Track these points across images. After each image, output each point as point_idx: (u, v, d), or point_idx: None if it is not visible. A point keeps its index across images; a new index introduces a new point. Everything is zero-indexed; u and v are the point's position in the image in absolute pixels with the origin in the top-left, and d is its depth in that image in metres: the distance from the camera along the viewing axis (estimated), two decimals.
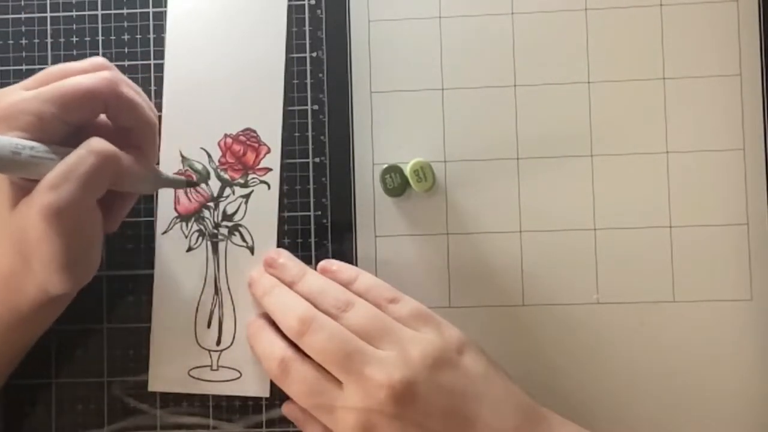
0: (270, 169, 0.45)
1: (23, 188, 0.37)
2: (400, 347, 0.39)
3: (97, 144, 0.37)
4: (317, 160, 0.46)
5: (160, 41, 0.46)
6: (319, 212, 0.45)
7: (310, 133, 0.46)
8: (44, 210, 0.36)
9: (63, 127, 0.38)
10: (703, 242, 0.44)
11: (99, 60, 0.40)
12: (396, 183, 0.45)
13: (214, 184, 0.46)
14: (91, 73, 0.39)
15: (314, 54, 0.46)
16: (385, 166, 0.45)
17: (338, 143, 0.46)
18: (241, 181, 0.45)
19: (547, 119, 0.45)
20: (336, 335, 0.39)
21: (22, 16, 0.47)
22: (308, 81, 0.46)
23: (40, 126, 0.37)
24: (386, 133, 0.46)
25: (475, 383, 0.39)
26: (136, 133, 0.40)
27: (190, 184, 0.45)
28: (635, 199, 0.45)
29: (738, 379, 0.44)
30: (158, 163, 0.45)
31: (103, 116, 0.40)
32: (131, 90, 0.40)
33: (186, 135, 0.46)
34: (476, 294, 0.45)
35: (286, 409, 0.44)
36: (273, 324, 0.43)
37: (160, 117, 0.45)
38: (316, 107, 0.46)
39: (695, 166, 0.45)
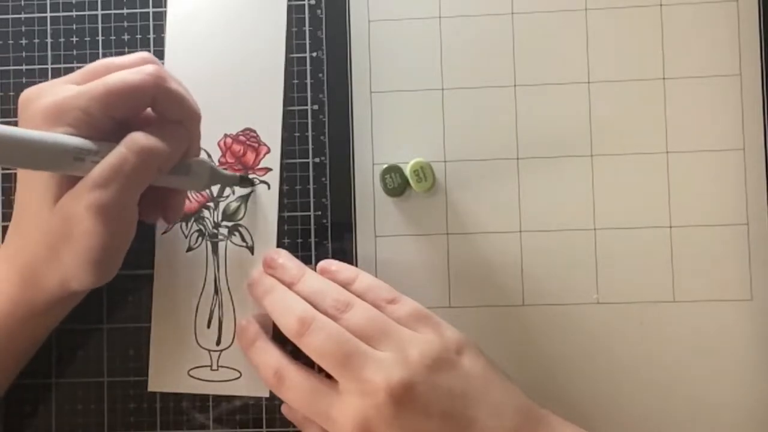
0: (270, 169, 0.45)
1: (66, 183, 0.38)
2: (399, 348, 0.39)
3: (139, 139, 0.38)
4: (317, 160, 0.46)
5: (160, 41, 0.46)
6: (319, 212, 0.45)
7: (310, 133, 0.46)
8: (92, 206, 0.36)
9: (109, 122, 0.38)
10: (703, 242, 0.44)
11: (145, 54, 0.41)
12: (396, 183, 0.45)
13: None
14: (137, 68, 0.39)
15: (314, 54, 0.46)
16: (385, 166, 0.45)
17: (338, 143, 0.46)
18: None
19: (547, 119, 0.45)
20: (335, 336, 0.39)
21: (22, 16, 0.47)
22: (308, 81, 0.46)
23: (88, 122, 0.37)
24: (386, 133, 0.46)
25: (474, 384, 0.39)
26: (182, 127, 0.40)
27: (245, 180, 0.44)
28: (635, 199, 0.45)
29: (738, 379, 0.44)
30: None
31: (148, 110, 0.40)
32: (176, 84, 0.40)
33: None
34: (476, 294, 0.45)
35: (286, 410, 0.44)
36: (264, 330, 0.43)
37: None
38: (316, 107, 0.46)
39: (695, 166, 0.45)
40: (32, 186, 0.38)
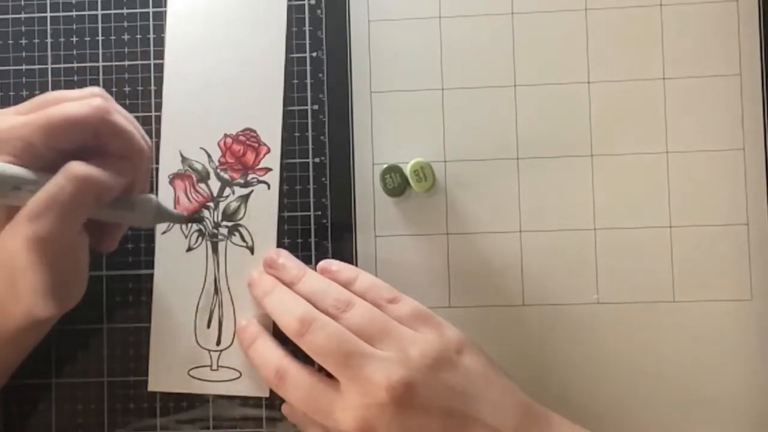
0: (270, 169, 0.45)
1: (8, 213, 0.37)
2: (400, 347, 0.39)
3: (76, 169, 0.37)
4: (317, 160, 0.46)
5: (160, 41, 0.46)
6: (319, 212, 0.45)
7: (310, 133, 0.46)
8: (28, 240, 0.36)
9: (52, 153, 0.38)
10: (703, 242, 0.44)
11: (95, 89, 0.40)
12: (396, 183, 0.45)
13: (214, 184, 0.46)
14: (82, 100, 0.39)
15: (314, 54, 0.46)
16: (385, 166, 0.45)
17: (338, 143, 0.46)
18: (241, 181, 0.45)
19: (547, 119, 0.45)
20: (336, 335, 0.39)
21: (22, 16, 0.47)
22: (308, 81, 0.46)
23: (30, 152, 0.37)
24: (386, 133, 0.46)
25: (474, 383, 0.39)
26: (127, 162, 0.40)
27: (191, 219, 0.45)
28: (635, 199, 0.45)
29: (738, 378, 0.44)
30: (157, 171, 0.45)
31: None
32: (122, 118, 0.40)
33: (186, 135, 0.46)
34: (476, 294, 0.45)
35: (286, 410, 0.44)
36: (265, 329, 0.43)
37: (159, 117, 0.45)
38: (316, 107, 0.46)
39: (695, 166, 0.45)
40: None
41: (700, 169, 0.44)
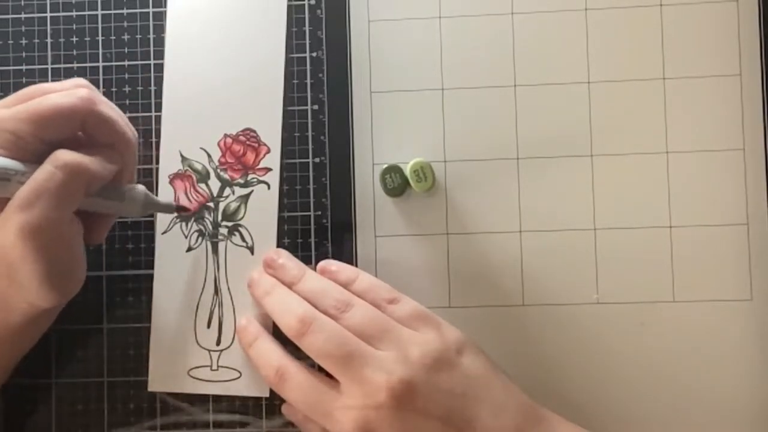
0: (270, 169, 0.45)
1: None
2: (400, 348, 0.39)
3: (64, 156, 0.37)
4: (317, 160, 0.46)
5: (160, 41, 0.46)
6: (319, 212, 0.45)
7: (310, 133, 0.46)
8: (20, 230, 0.36)
9: (40, 144, 0.38)
10: (703, 242, 0.44)
11: (80, 80, 0.41)
12: (396, 183, 0.45)
13: (214, 184, 0.46)
14: (68, 91, 0.39)
15: (314, 54, 0.46)
16: (385, 166, 0.45)
17: (338, 143, 0.46)
18: (241, 181, 0.45)
19: (547, 119, 0.45)
20: (336, 336, 0.39)
21: (22, 16, 0.47)
22: (308, 81, 0.46)
23: (17, 144, 0.37)
24: (386, 133, 0.46)
25: (474, 384, 0.39)
26: (114, 151, 0.40)
27: (180, 209, 0.45)
28: (635, 199, 0.45)
29: (738, 379, 0.44)
30: (157, 171, 0.45)
31: (80, 134, 0.40)
32: (108, 108, 0.40)
33: (186, 135, 0.46)
34: (476, 294, 0.45)
35: (286, 410, 0.44)
36: (265, 329, 0.43)
37: (159, 117, 0.45)
38: (316, 107, 0.46)
39: (695, 166, 0.45)
40: None
41: (700, 169, 0.44)
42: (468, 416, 0.38)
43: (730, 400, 0.44)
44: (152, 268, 0.45)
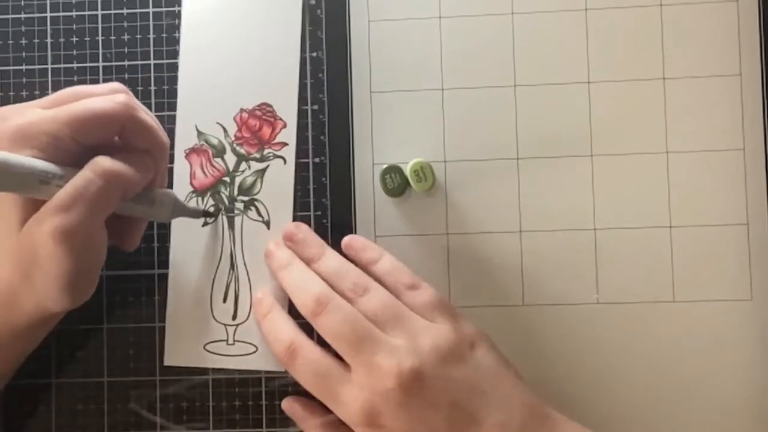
0: (286, 144, 0.45)
1: (31, 206, 0.37)
2: (412, 336, 0.39)
3: (103, 163, 0.38)
4: (317, 160, 0.46)
5: (160, 41, 0.46)
6: (319, 212, 0.45)
7: (310, 133, 0.46)
8: (56, 231, 0.36)
9: (77, 148, 0.38)
10: (703, 242, 0.44)
11: (116, 85, 0.41)
12: (396, 183, 0.45)
13: (230, 159, 0.45)
14: (108, 96, 0.39)
15: (314, 54, 0.46)
16: (385, 166, 0.45)
17: (338, 143, 0.46)
18: (257, 155, 0.45)
19: (547, 119, 0.45)
20: (350, 319, 0.39)
21: (22, 16, 0.47)
22: (308, 81, 0.46)
23: (56, 146, 0.37)
24: (386, 133, 0.46)
25: (482, 379, 0.39)
26: (149, 157, 0.40)
27: (206, 214, 0.45)
28: (635, 199, 0.45)
29: (738, 378, 0.44)
30: (173, 145, 0.45)
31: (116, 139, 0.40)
32: (146, 114, 0.40)
33: (202, 110, 0.46)
34: (476, 294, 0.45)
35: (286, 405, 0.44)
36: (280, 303, 0.43)
37: (159, 117, 0.45)
38: (316, 107, 0.46)
39: (695, 166, 0.45)
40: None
41: (700, 169, 0.45)
42: (473, 411, 0.38)
43: (730, 399, 0.44)
44: (153, 268, 0.45)
